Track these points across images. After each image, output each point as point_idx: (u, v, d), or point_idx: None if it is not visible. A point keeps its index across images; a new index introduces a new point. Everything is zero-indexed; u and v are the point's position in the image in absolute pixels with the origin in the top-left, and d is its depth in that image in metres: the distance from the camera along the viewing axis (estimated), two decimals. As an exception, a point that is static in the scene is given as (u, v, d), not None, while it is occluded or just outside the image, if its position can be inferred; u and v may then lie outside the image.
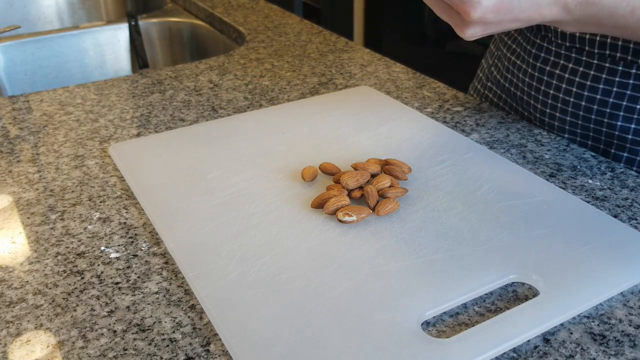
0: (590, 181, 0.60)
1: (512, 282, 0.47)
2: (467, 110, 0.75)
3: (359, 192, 0.56)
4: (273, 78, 0.87)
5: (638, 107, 0.64)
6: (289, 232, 0.51)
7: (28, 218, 0.56)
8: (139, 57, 1.20)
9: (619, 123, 0.66)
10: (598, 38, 0.64)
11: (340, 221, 0.52)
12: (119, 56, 1.24)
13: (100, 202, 0.58)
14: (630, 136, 0.66)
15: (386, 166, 0.59)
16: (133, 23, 1.20)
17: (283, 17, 1.17)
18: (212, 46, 1.22)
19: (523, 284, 0.47)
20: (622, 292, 0.46)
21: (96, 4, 1.49)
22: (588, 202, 0.57)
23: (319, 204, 0.54)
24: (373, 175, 0.58)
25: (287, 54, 0.97)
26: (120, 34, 1.23)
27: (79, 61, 1.20)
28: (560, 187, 0.59)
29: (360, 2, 2.60)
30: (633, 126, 0.65)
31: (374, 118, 0.71)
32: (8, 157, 0.67)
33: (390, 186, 0.56)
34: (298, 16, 1.17)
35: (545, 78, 0.72)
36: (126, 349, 0.42)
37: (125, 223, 0.55)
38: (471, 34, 0.54)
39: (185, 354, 0.41)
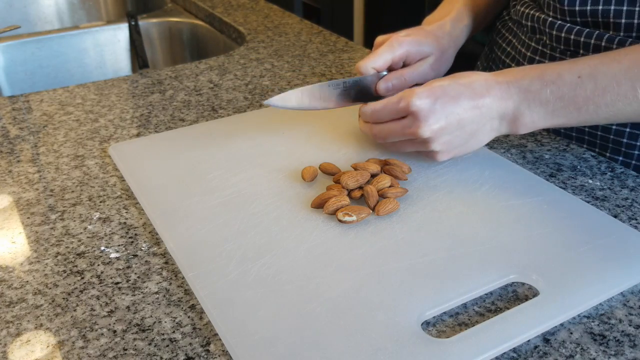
0: (590, 181, 0.60)
1: (512, 282, 0.47)
2: (467, 110, 0.75)
3: (359, 192, 0.56)
4: (273, 78, 0.87)
5: None
6: (289, 232, 0.51)
7: (28, 218, 0.56)
8: (139, 57, 1.20)
9: (613, 127, 0.65)
10: (592, 41, 0.64)
11: (340, 221, 0.52)
12: (119, 56, 1.24)
13: (100, 202, 0.58)
14: (625, 140, 0.65)
15: (386, 166, 0.59)
16: (133, 23, 1.20)
17: (283, 17, 1.17)
18: (212, 46, 1.22)
19: (523, 284, 0.47)
20: (622, 292, 0.46)
21: (96, 4, 1.49)
22: (588, 202, 0.57)
23: (319, 204, 0.54)
24: (373, 175, 0.58)
25: (287, 54, 0.97)
26: (120, 34, 1.23)
27: (78, 61, 1.20)
28: (560, 187, 0.59)
29: (360, 2, 2.60)
30: (628, 130, 0.65)
31: (374, 118, 0.71)
32: (8, 157, 0.67)
33: (390, 186, 0.56)
34: (298, 16, 1.17)
35: None
36: (126, 349, 0.42)
37: (125, 223, 0.55)
38: (440, 149, 0.58)
39: (185, 354, 0.41)
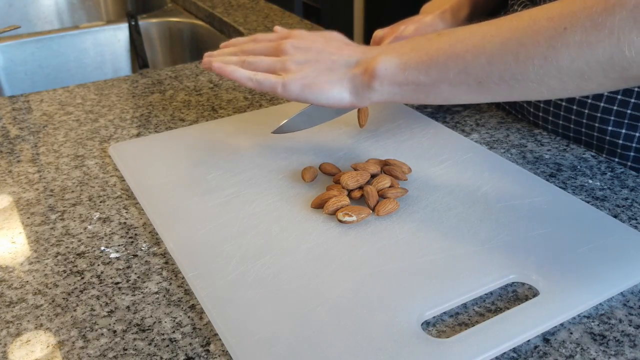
0: (590, 181, 0.60)
1: (512, 282, 0.47)
2: (467, 110, 0.75)
3: (359, 192, 0.56)
4: (273, 78, 0.87)
5: (629, 112, 0.64)
6: (289, 232, 0.51)
7: (28, 218, 0.56)
8: (139, 57, 1.20)
9: (609, 128, 0.65)
10: None
11: (340, 221, 0.52)
12: (119, 56, 1.24)
13: (100, 202, 0.58)
14: (620, 141, 0.65)
15: (386, 166, 0.59)
16: (133, 23, 1.20)
17: (283, 17, 1.17)
18: (212, 46, 1.21)
19: (523, 284, 0.47)
20: (622, 292, 0.46)
21: (96, 4, 1.49)
22: (588, 202, 0.57)
23: (319, 204, 0.54)
24: (373, 176, 0.58)
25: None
26: (120, 34, 1.23)
27: (78, 61, 1.20)
28: (560, 187, 0.59)
29: (360, 2, 2.60)
30: (624, 131, 0.65)
31: (374, 118, 0.71)
32: (8, 157, 0.67)
33: (390, 186, 0.56)
34: (298, 16, 1.17)
35: None
36: (126, 349, 0.42)
37: (125, 223, 0.55)
38: (290, 67, 0.58)
39: (185, 354, 0.41)
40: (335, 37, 0.61)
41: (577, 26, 0.44)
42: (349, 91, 0.56)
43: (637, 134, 0.65)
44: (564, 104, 0.68)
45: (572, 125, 0.68)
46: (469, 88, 0.50)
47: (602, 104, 0.65)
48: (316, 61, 0.57)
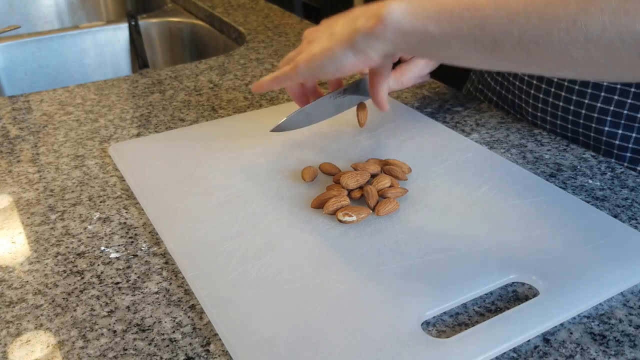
0: (590, 181, 0.60)
1: (512, 282, 0.47)
2: (467, 110, 0.75)
3: (359, 192, 0.56)
4: (273, 78, 0.87)
5: (625, 112, 0.64)
6: (289, 232, 0.51)
7: (28, 218, 0.56)
8: (139, 57, 1.20)
9: (606, 128, 0.65)
10: None
11: (340, 221, 0.52)
12: (118, 56, 1.24)
13: (100, 202, 0.58)
14: (617, 142, 0.65)
15: (386, 166, 0.59)
16: (133, 23, 1.20)
17: (283, 17, 1.17)
18: (212, 46, 1.22)
19: (523, 284, 0.47)
20: (622, 292, 0.46)
21: (96, 4, 1.49)
22: (588, 202, 0.57)
23: (319, 204, 0.54)
24: (373, 176, 0.58)
25: (287, 54, 0.97)
26: (120, 34, 1.23)
27: (78, 61, 1.20)
28: (560, 187, 0.59)
29: (360, 2, 2.60)
30: (620, 131, 0.65)
31: (374, 118, 0.71)
32: (8, 157, 0.67)
33: (390, 186, 0.56)
34: (298, 16, 1.17)
35: (534, 82, 0.71)
36: (126, 349, 0.42)
37: (125, 223, 0.55)
38: (305, 48, 0.57)
39: (185, 354, 0.41)
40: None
41: None
42: (352, 46, 0.51)
43: (634, 135, 0.65)
44: (561, 104, 0.68)
45: (569, 126, 0.68)
46: (482, 47, 0.45)
47: (598, 105, 0.65)
48: (323, 34, 0.55)
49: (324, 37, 0.55)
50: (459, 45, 0.46)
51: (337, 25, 0.54)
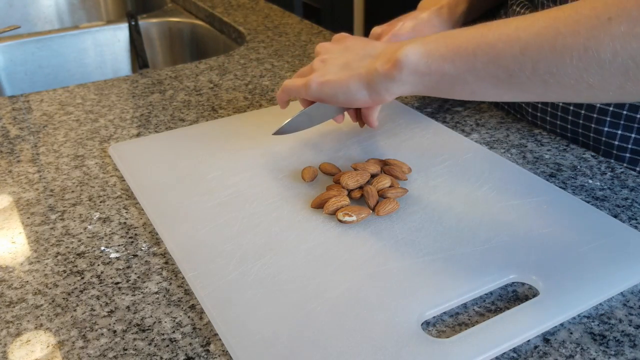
0: (590, 181, 0.60)
1: (512, 282, 0.47)
2: (467, 110, 0.75)
3: (359, 192, 0.56)
4: (273, 78, 0.87)
5: (625, 112, 0.64)
6: (289, 232, 0.51)
7: (28, 218, 0.56)
8: (139, 57, 1.20)
9: (605, 129, 0.65)
10: None
11: (340, 221, 0.52)
12: (119, 56, 1.24)
13: (100, 202, 0.58)
14: (616, 142, 0.65)
15: (386, 166, 0.59)
16: (133, 23, 1.20)
17: (283, 17, 1.17)
18: (212, 46, 1.22)
19: (523, 284, 0.47)
20: (622, 292, 0.46)
21: (96, 4, 1.49)
22: (588, 202, 0.57)
23: (319, 204, 0.54)
24: (373, 176, 0.58)
25: (287, 54, 0.97)
26: (120, 34, 1.23)
27: (78, 61, 1.20)
28: (560, 187, 0.59)
29: (360, 2, 2.60)
30: (619, 132, 0.65)
31: (374, 118, 0.71)
32: (8, 157, 0.67)
33: (390, 186, 0.56)
34: (298, 16, 1.17)
35: None
36: (126, 349, 0.42)
37: (125, 223, 0.55)
38: (317, 68, 0.58)
39: (185, 354, 0.41)
40: (371, 39, 0.60)
41: (623, 16, 0.39)
42: (367, 85, 0.53)
43: (633, 135, 0.64)
44: (561, 104, 0.68)
45: (569, 126, 0.68)
46: (497, 81, 0.46)
47: (598, 105, 0.65)
48: (339, 58, 0.56)
49: (339, 61, 0.56)
50: (474, 81, 0.47)
51: (354, 54, 0.55)
